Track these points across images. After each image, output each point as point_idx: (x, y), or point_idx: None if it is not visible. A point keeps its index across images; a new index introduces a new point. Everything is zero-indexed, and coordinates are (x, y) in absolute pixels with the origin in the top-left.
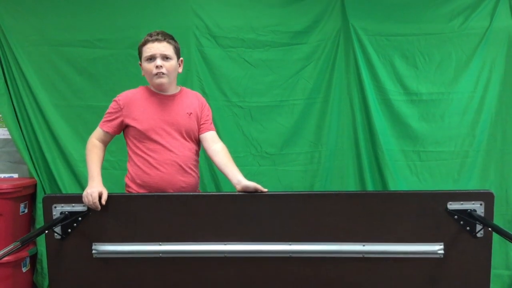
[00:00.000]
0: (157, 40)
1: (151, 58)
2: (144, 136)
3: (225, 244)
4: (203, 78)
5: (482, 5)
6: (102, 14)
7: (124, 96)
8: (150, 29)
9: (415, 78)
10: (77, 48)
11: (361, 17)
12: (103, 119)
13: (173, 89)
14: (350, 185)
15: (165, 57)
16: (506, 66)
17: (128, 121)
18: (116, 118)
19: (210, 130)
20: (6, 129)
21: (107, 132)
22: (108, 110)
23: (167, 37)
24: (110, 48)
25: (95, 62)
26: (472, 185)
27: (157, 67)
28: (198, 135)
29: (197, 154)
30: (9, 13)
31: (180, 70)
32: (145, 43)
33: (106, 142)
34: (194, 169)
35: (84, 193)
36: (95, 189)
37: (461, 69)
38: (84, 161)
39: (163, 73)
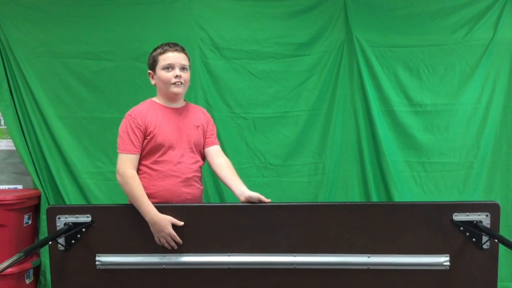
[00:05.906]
0: (176, 50)
1: (169, 67)
2: (156, 149)
3: (228, 256)
4: (207, 90)
5: (486, 17)
6: (107, 26)
7: (138, 112)
8: (155, 41)
9: (419, 89)
10: (82, 60)
11: (365, 28)
12: (126, 142)
13: (181, 102)
14: (355, 196)
15: (183, 68)
16: (510, 77)
17: (146, 135)
18: (140, 135)
19: (214, 144)
20: (10, 140)
21: (137, 154)
22: (127, 131)
23: (184, 49)
24: (115, 60)
25: (100, 74)
26: (478, 196)
27: (176, 76)
28: (203, 148)
29: (201, 166)
30: (15, 26)
31: (189, 83)
32: (164, 52)
33: (136, 167)
34: (199, 181)
35: (156, 239)
36: (166, 231)
37: (465, 80)
38: (88, 172)
39: (181, 83)
